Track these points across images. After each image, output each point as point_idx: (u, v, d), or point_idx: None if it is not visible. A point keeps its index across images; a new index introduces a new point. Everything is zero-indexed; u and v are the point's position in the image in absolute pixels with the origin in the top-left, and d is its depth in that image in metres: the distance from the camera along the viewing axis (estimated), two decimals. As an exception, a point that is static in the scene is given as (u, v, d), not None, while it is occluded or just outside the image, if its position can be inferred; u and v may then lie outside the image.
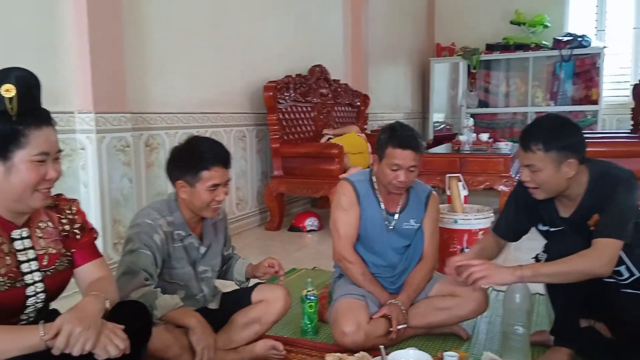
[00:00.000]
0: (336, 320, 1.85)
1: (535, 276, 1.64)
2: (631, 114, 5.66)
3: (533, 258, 1.93)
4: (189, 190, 1.65)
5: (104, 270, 1.39)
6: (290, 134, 4.19)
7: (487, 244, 1.98)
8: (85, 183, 2.69)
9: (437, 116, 8.10)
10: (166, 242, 1.66)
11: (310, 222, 3.95)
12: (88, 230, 1.38)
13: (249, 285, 1.90)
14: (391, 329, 1.84)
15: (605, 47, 7.12)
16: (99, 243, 1.47)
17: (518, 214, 1.87)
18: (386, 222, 2.00)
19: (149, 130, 3.14)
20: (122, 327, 1.20)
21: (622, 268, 1.74)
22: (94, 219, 2.64)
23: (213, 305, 1.82)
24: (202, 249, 1.76)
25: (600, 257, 1.59)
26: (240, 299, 1.85)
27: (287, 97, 4.12)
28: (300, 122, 4.40)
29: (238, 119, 3.95)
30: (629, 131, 5.37)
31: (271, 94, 3.90)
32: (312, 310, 2.05)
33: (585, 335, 1.77)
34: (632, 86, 5.67)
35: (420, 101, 8.25)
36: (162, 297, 1.54)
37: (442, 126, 8.05)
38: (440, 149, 4.73)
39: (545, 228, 1.82)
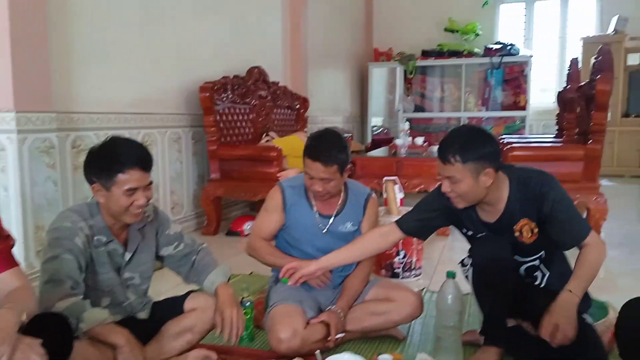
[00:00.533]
0: (272, 327, 1.82)
1: (582, 293, 1.66)
2: (556, 119, 5.97)
3: (459, 263, 1.97)
4: (105, 194, 1.56)
5: (20, 280, 1.30)
6: (227, 136, 4.12)
7: (372, 238, 1.93)
8: (5, 186, 2.52)
9: (376, 120, 8.23)
10: (88, 246, 1.57)
11: (249, 226, 3.89)
12: (3, 238, 1.29)
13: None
14: (329, 338, 1.83)
15: (532, 55, 7.48)
16: (19, 250, 1.37)
17: (435, 217, 1.88)
18: (320, 225, 1.99)
19: (77, 131, 2.99)
20: (40, 341, 1.12)
21: (538, 273, 1.82)
22: (14, 225, 2.47)
23: (142, 315, 1.74)
24: (127, 255, 1.67)
25: (598, 249, 1.67)
26: (172, 308, 1.78)
27: (224, 99, 4.05)
28: (239, 124, 4.33)
29: (173, 120, 3.84)
30: (554, 136, 5.65)
31: (208, 94, 3.81)
32: (247, 317, 2.01)
33: (512, 334, 1.82)
34: (557, 93, 5.96)
35: (359, 105, 8.36)
36: (90, 311, 1.46)
37: (380, 130, 8.19)
38: (378, 152, 4.81)
39: (470, 233, 1.86)
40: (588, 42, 7.16)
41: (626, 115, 7.29)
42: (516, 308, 1.82)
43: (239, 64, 4.51)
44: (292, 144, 4.16)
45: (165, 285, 2.36)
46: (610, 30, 7.24)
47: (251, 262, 3.07)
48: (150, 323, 1.74)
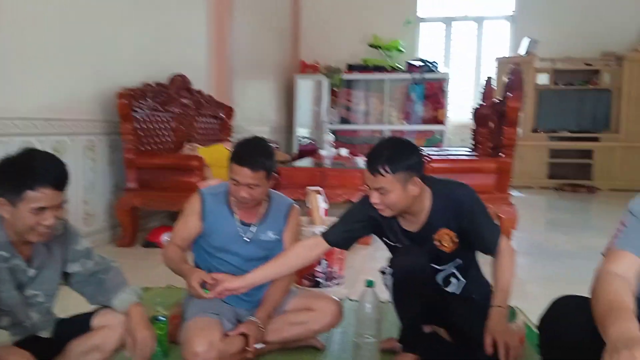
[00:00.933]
0: (187, 340, 1.75)
1: (507, 303, 1.73)
2: (472, 134, 6.27)
3: (380, 271, 2.01)
4: (10, 210, 1.43)
5: None
6: (147, 145, 3.97)
7: (298, 252, 1.92)
8: None
9: (302, 131, 8.27)
10: None
11: (167, 237, 3.75)
12: None
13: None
14: (248, 348, 1.79)
15: (450, 72, 7.84)
16: None
17: (359, 227, 1.90)
18: (242, 234, 1.96)
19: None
20: None
21: (454, 280, 1.89)
22: None
23: (45, 334, 1.62)
24: (31, 272, 1.55)
25: (510, 254, 1.78)
26: (78, 326, 1.66)
27: (144, 106, 3.91)
28: (159, 132, 4.19)
29: (87, 127, 3.64)
30: (470, 149, 5.93)
31: (126, 101, 3.66)
32: (161, 333, 1.92)
33: (429, 341, 1.87)
34: (473, 109, 6.27)
35: (285, 116, 8.37)
36: None
37: (307, 141, 8.24)
38: (303, 162, 4.82)
39: (392, 242, 1.90)
40: (502, 62, 7.61)
41: (535, 130, 7.80)
42: (433, 315, 1.87)
43: (161, 71, 4.38)
44: (216, 154, 4.08)
45: (72, 301, 2.22)
46: (522, 51, 7.73)
47: (167, 275, 2.95)
48: (54, 342, 1.61)
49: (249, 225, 1.97)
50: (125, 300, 1.64)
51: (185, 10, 4.97)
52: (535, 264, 3.47)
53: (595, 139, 7.59)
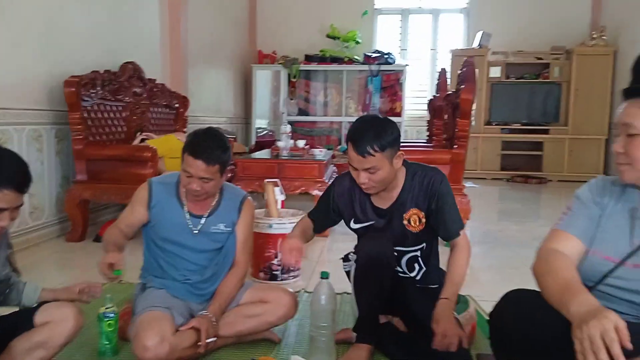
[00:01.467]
0: (137, 335, 1.69)
1: (456, 296, 1.78)
2: (427, 126, 6.36)
3: (341, 258, 2.02)
4: None
5: None
6: (97, 135, 3.83)
7: (306, 226, 2.03)
8: None
9: (260, 122, 8.20)
10: None
11: (120, 231, 3.65)
12: None
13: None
14: (199, 344, 1.75)
15: (407, 65, 7.92)
16: None
17: (329, 210, 1.97)
18: (191, 226, 1.92)
19: None
20: None
21: (417, 265, 1.92)
22: None
23: None
24: None
25: (468, 250, 1.82)
26: (20, 323, 1.59)
27: (93, 95, 3.76)
28: (110, 122, 4.06)
29: (33, 116, 3.48)
30: (425, 141, 6.02)
31: (73, 89, 3.51)
32: (110, 329, 1.86)
33: (383, 331, 1.88)
34: (428, 101, 6.36)
35: (243, 106, 8.27)
36: None
37: (265, 132, 8.16)
38: (260, 154, 4.77)
39: (358, 225, 1.92)
40: (456, 55, 7.73)
41: (488, 123, 7.98)
42: (391, 304, 1.89)
43: (111, 59, 4.23)
44: (169, 145, 3.98)
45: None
46: (476, 44, 7.88)
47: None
48: (-6, 340, 1.54)
49: (198, 217, 1.93)
50: (31, 291, 1.68)
51: (137, -4, 4.82)
52: (488, 253, 3.56)
53: (545, 131, 7.84)
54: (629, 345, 0.96)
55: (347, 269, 1.95)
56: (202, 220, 1.93)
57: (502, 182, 7.71)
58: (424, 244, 1.91)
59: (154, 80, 4.74)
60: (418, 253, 1.91)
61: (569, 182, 7.37)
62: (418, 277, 1.93)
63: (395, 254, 1.87)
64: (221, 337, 1.87)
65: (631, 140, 1.24)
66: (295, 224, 2.76)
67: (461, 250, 1.82)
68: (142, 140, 4.15)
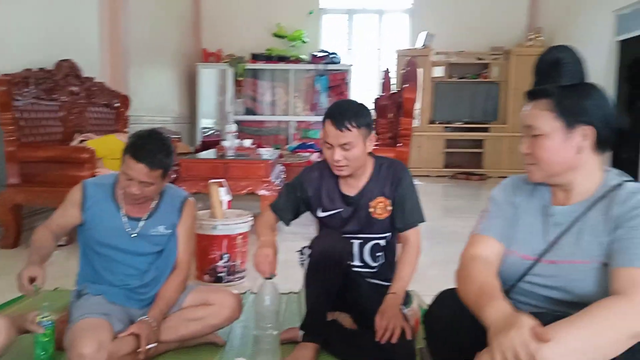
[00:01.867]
0: (73, 343, 1.62)
1: (404, 292, 1.85)
2: (373, 124, 6.43)
3: (298, 251, 2.02)
4: None
5: None
6: (31, 136, 3.65)
7: (272, 224, 2.01)
8: None
9: (206, 122, 8.06)
10: None
11: (57, 236, 3.49)
12: None
13: None
14: (139, 350, 1.69)
15: (352, 64, 7.99)
16: None
17: (297, 200, 1.98)
18: (128, 229, 1.86)
19: None
20: None
21: (380, 255, 1.94)
22: None
23: None
24: None
25: (418, 249, 1.89)
26: None
27: (26, 94, 3.58)
28: (45, 122, 3.87)
29: (-41, 117, 3.29)
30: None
31: (5, 88, 3.33)
32: (46, 339, 1.77)
33: (330, 329, 1.88)
34: (374, 100, 6.43)
35: (188, 106, 8.10)
36: None
37: (211, 132, 8.04)
38: (205, 154, 4.68)
39: (324, 214, 1.94)
40: (401, 55, 7.88)
41: (432, 122, 8.18)
42: (340, 300, 1.89)
43: (46, 56, 4.04)
44: (109, 145, 3.85)
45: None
46: (420, 44, 8.05)
47: (60, 276, 2.77)
48: None
49: (136, 219, 1.87)
50: None
51: (73, -8, 4.62)
52: (432, 249, 3.64)
53: (485, 129, 8.11)
54: (549, 338, 1.00)
55: (302, 262, 1.95)
56: (141, 223, 1.87)
57: (446, 179, 7.91)
58: (389, 234, 1.95)
59: (93, 78, 4.56)
60: (382, 242, 1.94)
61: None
62: (376, 270, 1.95)
63: (361, 240, 1.92)
64: (163, 342, 1.82)
65: (535, 141, 1.29)
66: (238, 224, 2.77)
67: (412, 247, 1.89)
68: (82, 141, 3.99)
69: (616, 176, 1.29)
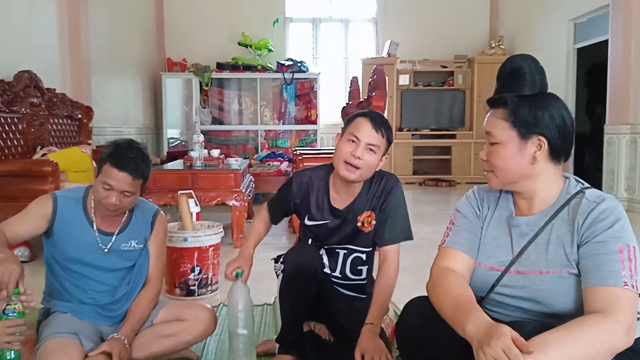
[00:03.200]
0: (42, 364, 1.55)
1: (381, 319, 1.78)
2: (341, 133, 6.45)
3: (273, 259, 1.98)
4: None
5: None
6: (-10, 149, 3.52)
7: (265, 222, 1.99)
8: None
9: (172, 132, 7.95)
10: None
11: (20, 252, 3.36)
12: None
13: None
14: (111, 367, 1.63)
15: (320, 72, 8.02)
16: None
17: (289, 201, 1.93)
18: (101, 244, 1.80)
19: None
20: None
21: (363, 269, 1.92)
22: None
23: None
24: None
25: (396, 269, 1.84)
26: None
27: (-17, 106, 3.46)
28: (5, 135, 3.74)
29: None
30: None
31: (-39, 100, 3.21)
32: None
33: (306, 340, 1.86)
34: (342, 108, 6.45)
35: (153, 116, 7.98)
36: None
37: (177, 142, 7.92)
38: (173, 165, 4.61)
39: (311, 223, 1.90)
40: (366, 63, 7.95)
41: (400, 129, 8.27)
42: (316, 312, 1.88)
43: (4, 67, 3.92)
44: (72, 157, 3.75)
45: None
46: (385, 53, 8.15)
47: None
48: None
49: (109, 234, 1.81)
50: None
51: (30, 1, 4.49)
52: (404, 256, 3.58)
53: (452, 136, 8.24)
54: (531, 350, 1.01)
55: (277, 271, 1.91)
56: (113, 238, 1.81)
57: (415, 186, 8.00)
58: (371, 248, 1.91)
59: (54, 89, 4.44)
60: (364, 256, 1.91)
61: (476, 184, 7.73)
62: (354, 283, 1.92)
63: (345, 251, 1.88)
64: (135, 359, 1.76)
65: (492, 149, 1.31)
66: (209, 235, 2.72)
67: (390, 266, 1.82)
68: (44, 154, 3.87)
69: (575, 183, 1.31)
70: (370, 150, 1.75)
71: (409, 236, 1.88)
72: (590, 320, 1.09)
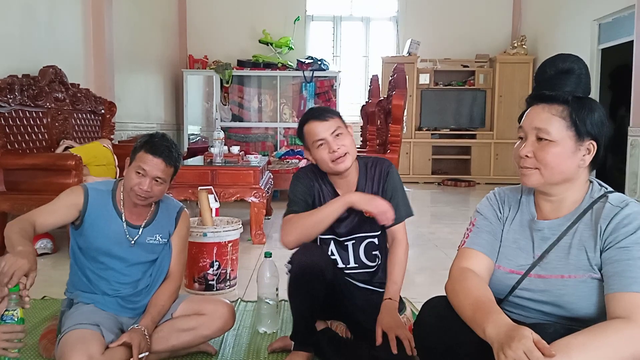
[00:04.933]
0: (63, 356, 1.58)
1: (398, 295, 1.85)
2: (360, 131, 6.46)
3: (286, 263, 1.97)
4: None
5: None
6: (15, 143, 3.59)
7: None
8: None
9: (193, 128, 8.02)
10: None
11: (42, 244, 3.43)
12: None
13: None
14: (131, 359, 1.66)
15: (340, 71, 8.01)
16: None
17: (309, 197, 1.94)
18: (128, 236, 1.84)
19: None
20: None
21: (377, 254, 1.93)
22: None
23: None
24: None
25: (406, 245, 1.89)
26: None
27: (10, 100, 3.52)
28: (30, 129, 3.82)
29: (-59, 123, 3.22)
30: (359, 146, 6.10)
31: (-12, 95, 3.28)
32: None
33: (322, 338, 1.87)
34: (361, 107, 6.46)
35: (174, 112, 8.06)
36: None
37: (197, 138, 7.99)
38: (193, 161, 4.65)
39: None
40: (387, 62, 7.92)
41: (419, 128, 8.22)
42: (333, 309, 1.89)
43: (30, 62, 3.99)
44: (94, 152, 3.81)
45: None
46: (405, 51, 8.11)
47: (46, 285, 2.73)
48: None
49: (136, 227, 1.86)
50: None
51: (58, -3, 4.58)
52: (422, 255, 3.65)
53: (472, 136, 8.17)
54: (553, 354, 1.00)
55: (286, 271, 1.92)
56: (140, 231, 1.86)
57: (434, 186, 7.95)
58: (381, 231, 1.94)
59: (78, 85, 4.52)
60: (376, 240, 1.92)
61: (496, 185, 7.69)
62: (374, 269, 1.93)
63: (354, 241, 1.91)
64: (154, 352, 1.78)
65: (542, 146, 1.25)
66: (228, 231, 2.74)
67: (400, 244, 1.88)
68: (66, 148, 3.94)
69: (599, 187, 1.30)
70: (338, 134, 1.82)
71: (410, 213, 1.95)
72: (613, 326, 1.08)
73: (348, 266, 1.92)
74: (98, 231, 1.82)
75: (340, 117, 1.87)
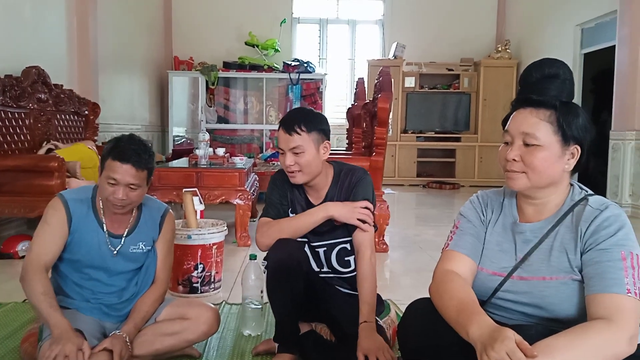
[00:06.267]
0: (45, 361, 1.56)
1: (374, 314, 1.79)
2: (346, 134, 6.47)
3: (263, 260, 1.96)
4: None
5: None
6: (-3, 144, 3.55)
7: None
8: None
9: (178, 130, 7.98)
10: None
11: (24, 247, 3.39)
12: None
13: None
14: (113, 365, 1.64)
15: (326, 73, 8.03)
16: None
17: (285, 203, 1.93)
18: (110, 247, 1.78)
19: None
20: None
21: (350, 259, 1.92)
22: None
23: None
24: None
25: (372, 250, 1.83)
26: None
27: (-8, 101, 3.49)
28: (12, 130, 3.77)
29: None
30: (345, 149, 6.11)
31: (-31, 95, 3.23)
32: None
33: (306, 340, 1.86)
34: (347, 110, 6.47)
35: (159, 114, 8.01)
36: None
37: (182, 140, 7.95)
38: (178, 163, 4.63)
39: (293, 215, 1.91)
40: (372, 65, 7.95)
41: (405, 131, 8.27)
42: (313, 311, 1.88)
43: (12, 62, 3.95)
44: (78, 154, 3.77)
45: None
46: (391, 55, 8.15)
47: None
48: None
49: (118, 237, 1.80)
50: None
51: (41, -3, 4.53)
52: (406, 257, 3.66)
53: (457, 139, 8.24)
54: (536, 355, 1.01)
55: (263, 270, 1.91)
56: (122, 241, 1.80)
57: (419, 188, 7.99)
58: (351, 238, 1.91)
59: (61, 85, 4.47)
60: (348, 246, 1.91)
61: (480, 187, 7.75)
62: (348, 276, 1.92)
63: (325, 247, 1.89)
64: (137, 356, 1.76)
65: (530, 150, 1.26)
66: (213, 233, 2.73)
67: (363, 258, 1.81)
68: (49, 150, 3.90)
69: (579, 190, 1.32)
70: (296, 152, 1.78)
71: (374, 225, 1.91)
72: (595, 327, 1.09)
73: (322, 270, 1.93)
74: (80, 243, 1.75)
75: (313, 131, 1.78)
